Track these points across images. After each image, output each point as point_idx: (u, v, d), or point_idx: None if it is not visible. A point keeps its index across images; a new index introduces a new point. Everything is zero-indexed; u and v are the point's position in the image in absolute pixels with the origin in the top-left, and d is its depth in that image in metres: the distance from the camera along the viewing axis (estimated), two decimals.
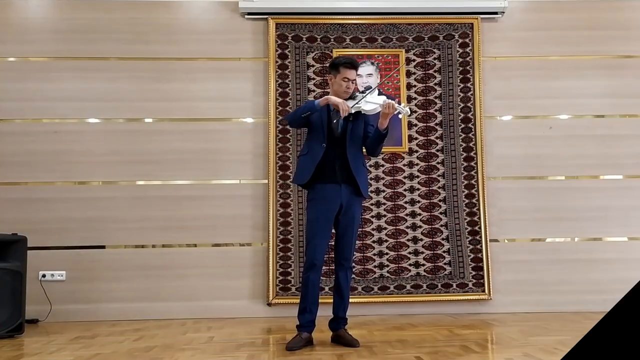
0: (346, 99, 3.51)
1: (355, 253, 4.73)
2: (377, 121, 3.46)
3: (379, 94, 3.57)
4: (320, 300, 3.54)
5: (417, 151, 4.94)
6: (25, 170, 4.80)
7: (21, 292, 4.02)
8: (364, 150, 3.65)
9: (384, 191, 4.88)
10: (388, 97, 3.48)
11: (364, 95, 3.48)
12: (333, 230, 3.58)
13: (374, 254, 4.81)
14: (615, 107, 5.07)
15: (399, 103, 3.46)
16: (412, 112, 4.93)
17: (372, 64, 5.01)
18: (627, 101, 5.07)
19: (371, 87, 3.68)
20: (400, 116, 3.40)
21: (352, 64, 3.56)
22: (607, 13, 5.14)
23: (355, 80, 3.57)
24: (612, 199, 4.97)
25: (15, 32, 4.92)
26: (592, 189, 4.98)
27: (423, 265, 4.81)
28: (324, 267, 3.72)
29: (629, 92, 5.07)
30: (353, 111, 3.45)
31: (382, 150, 4.83)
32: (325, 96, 3.52)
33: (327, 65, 4.20)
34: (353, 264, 4.00)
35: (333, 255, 3.65)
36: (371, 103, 3.44)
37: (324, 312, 3.64)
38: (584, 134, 5.04)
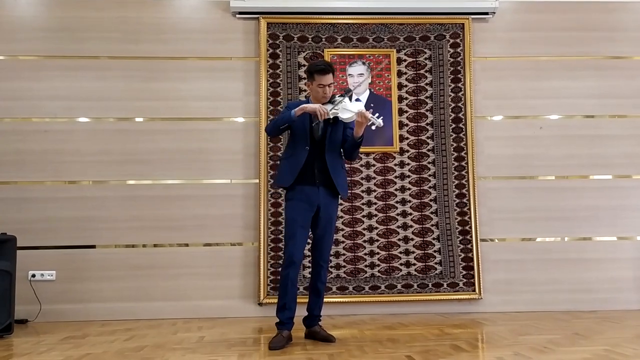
0: (325, 103, 3.53)
1: (346, 253, 4.77)
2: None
3: (357, 100, 3.57)
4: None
5: (408, 151, 4.95)
6: (14, 169, 4.77)
7: (10, 292, 4.00)
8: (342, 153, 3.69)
9: (375, 191, 4.89)
10: (366, 104, 3.49)
11: (342, 100, 3.48)
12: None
13: (365, 254, 4.81)
14: (604, 107, 5.10)
15: (373, 113, 3.48)
16: (402, 112, 4.96)
17: (364, 63, 5.01)
18: (616, 101, 5.10)
19: (350, 90, 3.68)
20: (373, 127, 3.42)
21: (325, 69, 3.53)
22: (597, 14, 5.18)
23: (332, 83, 3.55)
24: (601, 199, 5.00)
25: (4, 30, 4.89)
26: (582, 189, 5.02)
27: (414, 264, 4.82)
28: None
29: (618, 92, 5.11)
30: (332, 116, 3.47)
31: (373, 150, 4.89)
32: (301, 105, 3.51)
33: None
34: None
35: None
36: (348, 111, 3.48)
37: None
38: (574, 134, 5.07)
